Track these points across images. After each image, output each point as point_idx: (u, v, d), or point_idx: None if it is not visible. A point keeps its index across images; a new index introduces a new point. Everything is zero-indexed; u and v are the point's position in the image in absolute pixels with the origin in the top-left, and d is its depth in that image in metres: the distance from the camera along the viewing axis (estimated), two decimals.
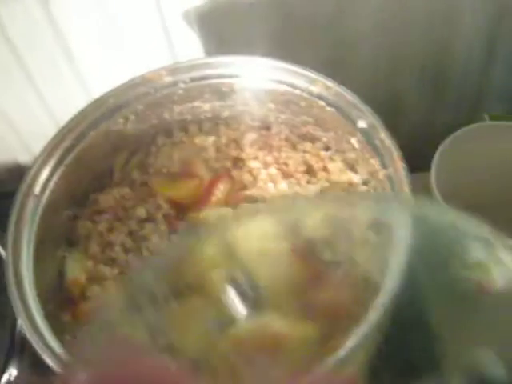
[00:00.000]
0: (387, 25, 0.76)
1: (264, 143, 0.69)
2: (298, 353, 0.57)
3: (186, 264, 0.62)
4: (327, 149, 0.68)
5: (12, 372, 0.74)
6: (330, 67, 0.65)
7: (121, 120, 0.66)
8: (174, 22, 0.75)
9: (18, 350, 0.75)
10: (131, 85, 0.65)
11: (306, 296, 0.59)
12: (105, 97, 0.64)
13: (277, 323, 0.57)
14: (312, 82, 0.62)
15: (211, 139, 0.69)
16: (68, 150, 0.63)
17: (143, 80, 0.65)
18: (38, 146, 0.86)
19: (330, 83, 0.62)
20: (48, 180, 0.62)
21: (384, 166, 0.58)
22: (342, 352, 0.50)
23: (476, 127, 0.76)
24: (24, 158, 0.89)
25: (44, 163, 0.62)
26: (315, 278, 0.60)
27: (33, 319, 0.55)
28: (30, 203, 0.61)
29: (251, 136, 0.69)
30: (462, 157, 0.74)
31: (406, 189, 0.55)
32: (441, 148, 0.73)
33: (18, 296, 0.56)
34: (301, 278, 0.60)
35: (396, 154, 0.57)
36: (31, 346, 0.75)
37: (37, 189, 0.61)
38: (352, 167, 0.66)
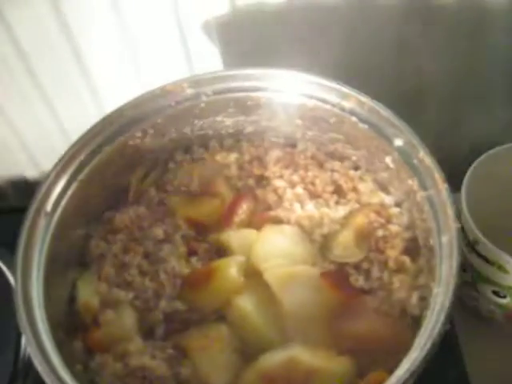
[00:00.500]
0: (412, 38, 0.73)
1: (289, 161, 0.65)
2: None
3: (209, 287, 0.58)
4: (357, 168, 0.64)
5: None
6: (355, 80, 0.61)
7: (139, 134, 0.62)
8: (193, 32, 0.71)
9: (21, 375, 0.71)
10: (150, 97, 0.61)
11: (337, 325, 0.55)
12: (122, 109, 0.60)
13: (307, 356, 0.53)
14: (344, 96, 0.59)
15: (233, 156, 0.65)
16: (82, 166, 0.59)
17: (163, 92, 0.61)
18: (45, 160, 0.83)
19: (363, 98, 0.58)
20: (60, 197, 0.58)
21: (423, 188, 0.54)
22: None
23: (507, 148, 0.73)
24: (31, 173, 0.85)
25: (56, 179, 0.58)
26: (347, 307, 0.56)
27: (43, 348, 0.51)
28: (41, 222, 0.57)
29: (275, 153, 0.65)
30: (492, 178, 0.71)
31: (450, 211, 0.51)
32: (471, 168, 0.70)
33: (28, 322, 0.52)
34: (331, 307, 0.56)
35: (438, 175, 0.53)
36: (36, 371, 0.71)
37: (48, 206, 0.57)
38: (384, 188, 0.62)
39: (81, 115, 0.71)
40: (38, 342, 0.51)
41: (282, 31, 0.71)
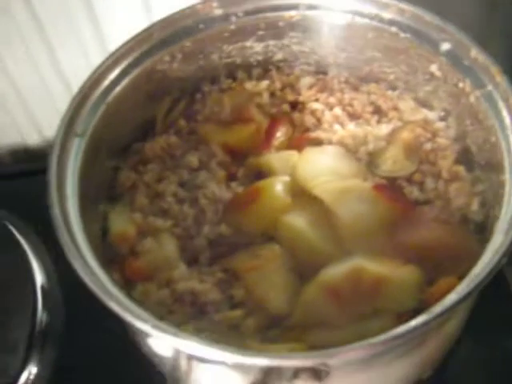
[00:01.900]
0: None
1: (323, 86, 0.62)
2: (399, 298, 0.49)
3: (256, 208, 0.54)
4: (394, 88, 0.61)
5: (32, 370, 0.63)
6: None
7: (167, 58, 0.58)
8: None
9: (38, 345, 0.65)
10: (179, 17, 0.58)
11: (398, 236, 0.52)
12: (151, 29, 0.57)
13: (373, 265, 0.49)
14: (383, 7, 0.57)
15: (264, 84, 0.62)
16: (110, 87, 0.56)
17: (192, 12, 0.58)
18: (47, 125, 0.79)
19: (404, 5, 0.56)
20: (89, 119, 0.54)
21: (479, 86, 0.52)
22: (448, 301, 0.42)
23: None
24: (32, 139, 0.80)
25: (84, 100, 0.54)
26: (405, 218, 0.53)
27: (89, 266, 0.46)
28: (72, 143, 0.52)
29: (308, 80, 0.63)
30: None
31: None
32: None
33: (69, 237, 0.47)
34: (388, 218, 0.53)
35: (494, 68, 0.51)
36: (54, 340, 0.65)
37: (78, 127, 0.53)
38: (426, 104, 0.60)
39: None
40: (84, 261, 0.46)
41: None
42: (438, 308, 0.41)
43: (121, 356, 0.60)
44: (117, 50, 0.56)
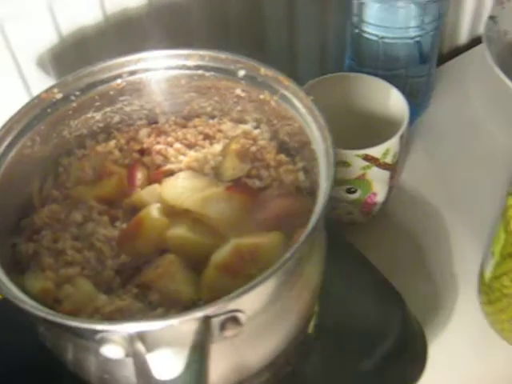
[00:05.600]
0: None
1: (158, 132, 0.77)
2: (273, 255, 0.65)
3: (143, 234, 0.67)
4: (213, 117, 0.78)
5: None
6: None
7: (29, 143, 0.69)
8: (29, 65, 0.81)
9: None
10: (30, 107, 0.69)
11: (257, 216, 0.68)
12: (9, 124, 0.68)
13: (247, 240, 0.65)
14: (187, 57, 0.73)
15: (112, 143, 0.75)
16: None
17: (39, 101, 0.70)
18: None
19: (203, 52, 0.73)
20: None
21: (275, 93, 0.70)
22: (301, 237, 0.58)
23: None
24: None
25: None
26: (256, 202, 0.69)
27: None
28: None
29: (145, 130, 0.77)
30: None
31: (302, 94, 0.67)
32: None
33: None
34: (244, 206, 0.70)
35: (281, 77, 0.69)
36: None
37: None
38: (241, 120, 0.77)
39: None
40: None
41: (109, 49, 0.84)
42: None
43: None
44: None
